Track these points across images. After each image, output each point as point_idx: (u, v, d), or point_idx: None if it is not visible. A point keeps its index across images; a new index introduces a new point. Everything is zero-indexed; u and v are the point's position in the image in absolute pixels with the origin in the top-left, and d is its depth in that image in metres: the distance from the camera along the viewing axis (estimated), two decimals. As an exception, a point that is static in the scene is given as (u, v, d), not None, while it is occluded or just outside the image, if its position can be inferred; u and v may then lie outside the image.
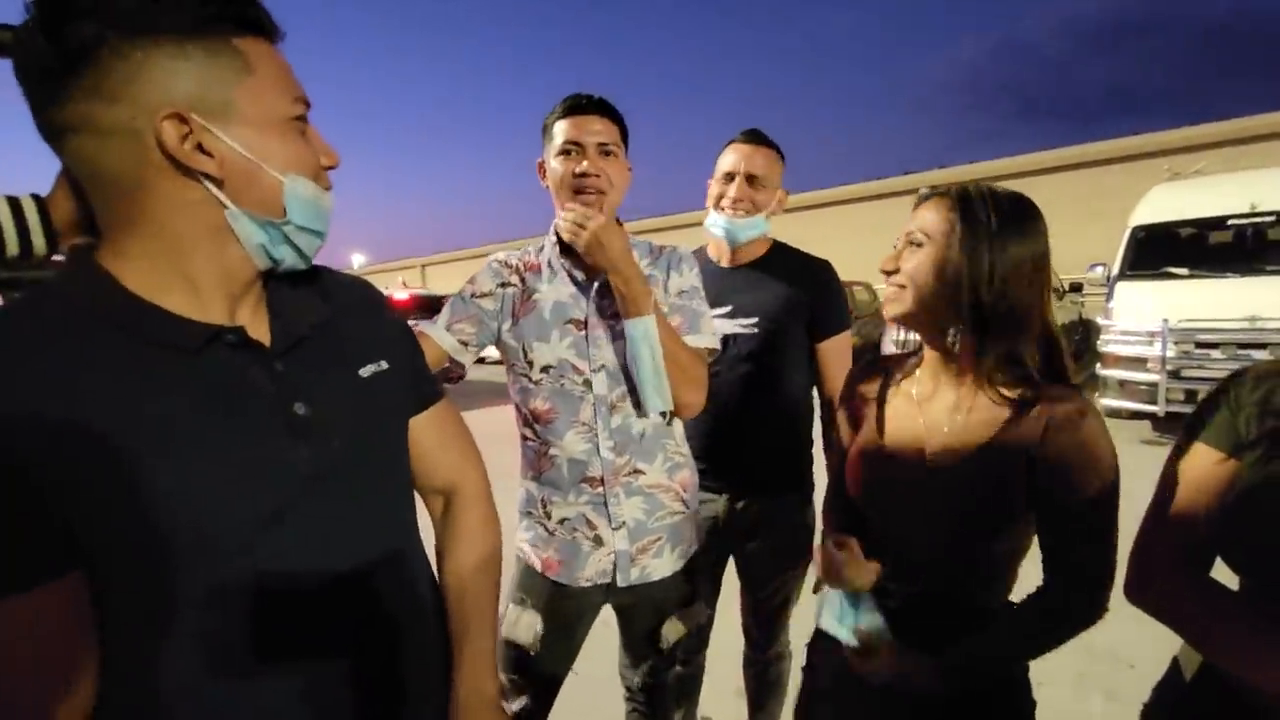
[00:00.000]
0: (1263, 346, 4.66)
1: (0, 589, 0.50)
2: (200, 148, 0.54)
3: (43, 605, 0.51)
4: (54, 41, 0.51)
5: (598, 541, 1.21)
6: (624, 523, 1.21)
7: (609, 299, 1.19)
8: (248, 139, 0.57)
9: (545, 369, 1.20)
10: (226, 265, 0.60)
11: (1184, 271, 5.39)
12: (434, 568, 0.83)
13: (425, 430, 0.81)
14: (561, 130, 1.17)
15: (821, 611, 1.01)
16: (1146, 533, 0.84)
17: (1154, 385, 4.97)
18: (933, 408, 0.96)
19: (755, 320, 1.55)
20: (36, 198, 0.72)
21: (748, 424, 1.57)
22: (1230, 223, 5.55)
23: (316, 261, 0.69)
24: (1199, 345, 4.90)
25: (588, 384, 1.19)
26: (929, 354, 0.97)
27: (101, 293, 0.56)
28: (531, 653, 1.24)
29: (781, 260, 1.63)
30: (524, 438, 1.27)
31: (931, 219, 0.89)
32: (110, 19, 0.51)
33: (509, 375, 1.27)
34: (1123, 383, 5.27)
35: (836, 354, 1.58)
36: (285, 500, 0.60)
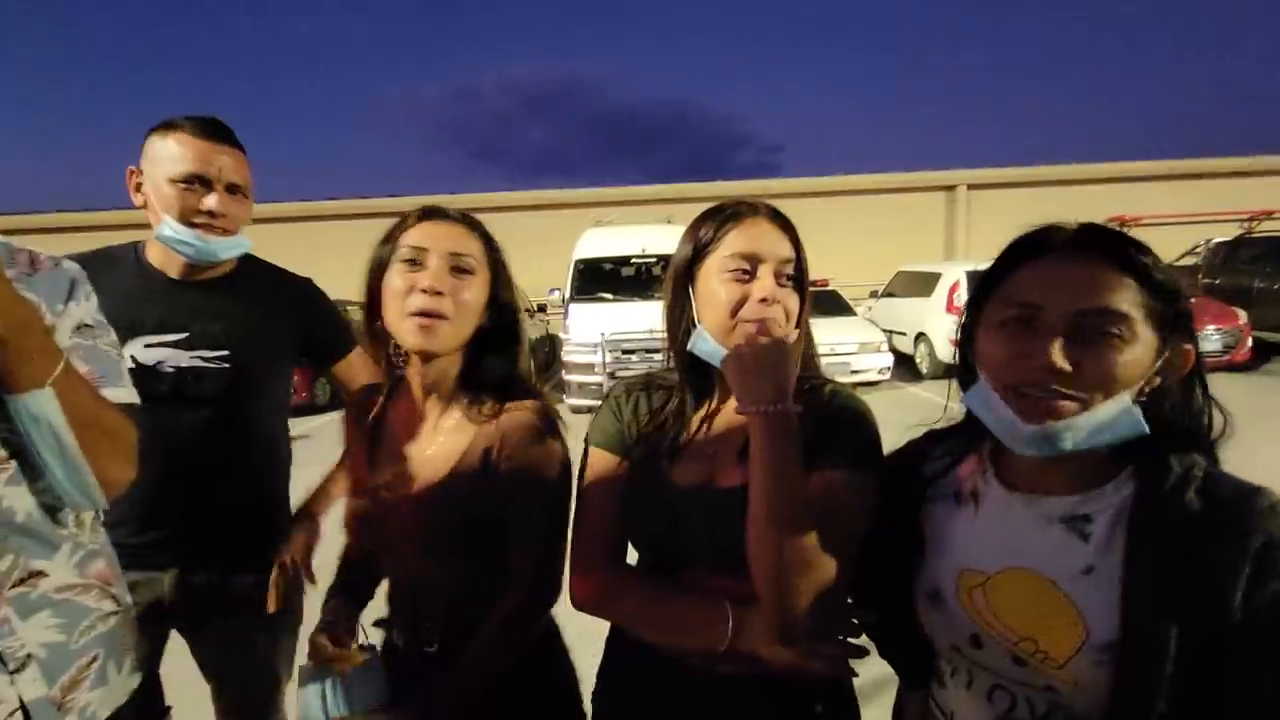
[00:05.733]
0: (658, 351, 6.56)
1: None
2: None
3: None
4: None
5: None
6: (26, 658, 0.81)
7: None
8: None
9: None
10: None
11: (610, 295, 7.38)
12: None
13: None
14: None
15: (304, 704, 0.92)
16: (575, 538, 0.90)
17: (600, 385, 6.53)
18: (418, 431, 0.96)
19: (226, 353, 1.25)
20: None
21: (209, 480, 1.26)
22: (632, 260, 7.95)
23: None
24: (624, 351, 6.64)
25: None
26: (410, 379, 0.97)
27: None
28: None
29: (256, 278, 1.34)
30: None
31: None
32: None
33: None
34: (580, 384, 6.76)
35: (361, 371, 1.41)
36: None
